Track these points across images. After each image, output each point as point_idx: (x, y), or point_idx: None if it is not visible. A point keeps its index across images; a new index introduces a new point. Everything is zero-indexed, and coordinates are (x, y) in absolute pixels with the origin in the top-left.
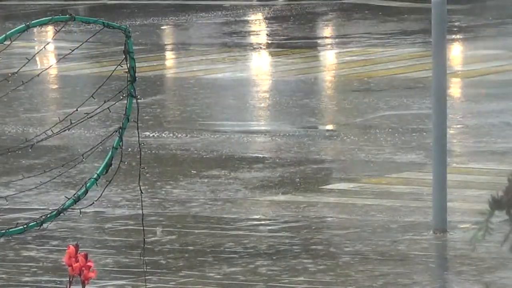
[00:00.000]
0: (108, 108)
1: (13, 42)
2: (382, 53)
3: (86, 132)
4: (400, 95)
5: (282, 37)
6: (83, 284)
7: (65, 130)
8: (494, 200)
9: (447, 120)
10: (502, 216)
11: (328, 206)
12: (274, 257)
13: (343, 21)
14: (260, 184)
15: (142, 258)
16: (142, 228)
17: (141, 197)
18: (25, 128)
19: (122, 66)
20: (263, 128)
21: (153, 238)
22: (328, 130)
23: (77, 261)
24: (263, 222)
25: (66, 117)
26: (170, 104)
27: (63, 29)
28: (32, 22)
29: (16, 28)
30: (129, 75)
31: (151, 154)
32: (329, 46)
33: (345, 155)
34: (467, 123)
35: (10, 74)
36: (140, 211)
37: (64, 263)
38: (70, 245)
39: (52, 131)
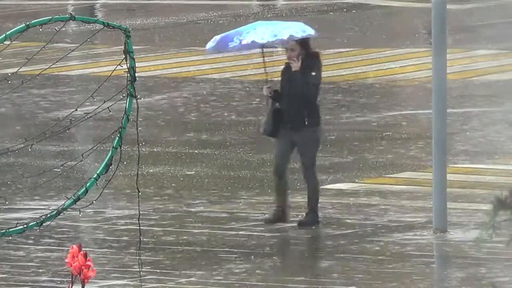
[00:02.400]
0: (108, 108)
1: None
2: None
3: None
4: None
5: None
6: (83, 283)
7: (65, 130)
8: (499, 200)
9: (447, 120)
10: (507, 216)
11: (328, 206)
12: (274, 257)
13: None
14: (260, 184)
15: (138, 258)
16: (139, 228)
17: (138, 197)
18: (25, 128)
19: (122, 66)
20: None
21: (153, 238)
22: (328, 129)
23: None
24: (263, 222)
25: (66, 117)
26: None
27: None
28: (32, 22)
29: (16, 28)
30: (128, 75)
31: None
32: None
33: (345, 155)
34: (467, 123)
35: (10, 74)
36: (141, 212)
37: (67, 263)
38: (73, 246)
39: (51, 130)
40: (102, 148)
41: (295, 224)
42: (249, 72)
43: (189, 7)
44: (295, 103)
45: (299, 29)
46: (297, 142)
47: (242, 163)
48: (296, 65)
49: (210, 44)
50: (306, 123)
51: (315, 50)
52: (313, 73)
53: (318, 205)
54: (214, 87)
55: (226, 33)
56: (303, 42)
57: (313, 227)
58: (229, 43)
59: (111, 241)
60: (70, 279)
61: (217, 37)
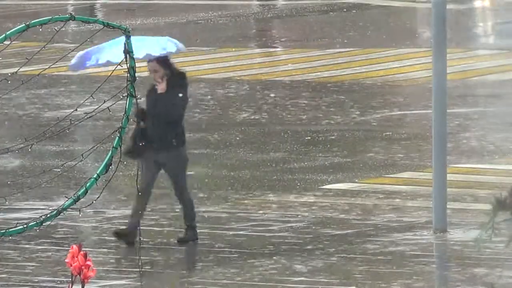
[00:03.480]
0: (108, 108)
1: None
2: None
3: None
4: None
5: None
6: (83, 283)
7: (65, 130)
8: (498, 201)
9: (447, 120)
10: (506, 216)
11: (328, 206)
12: (274, 257)
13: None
14: (260, 184)
15: (138, 258)
16: (139, 228)
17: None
18: (25, 128)
19: (122, 66)
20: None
21: (153, 238)
22: (327, 130)
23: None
24: (263, 222)
25: (66, 117)
26: None
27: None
28: (32, 22)
29: (16, 28)
30: (128, 75)
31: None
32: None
33: (345, 155)
34: (467, 123)
35: (10, 74)
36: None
37: (67, 263)
38: (73, 246)
39: (51, 130)
40: (102, 148)
41: (294, 225)
42: (249, 72)
43: (189, 7)
44: (161, 124)
45: (158, 47)
46: (164, 163)
47: (242, 163)
48: (161, 87)
49: (72, 61)
50: (175, 143)
51: (181, 70)
52: (180, 95)
53: (196, 221)
54: (214, 87)
55: (88, 49)
56: (165, 62)
57: (193, 242)
58: (87, 62)
59: (111, 241)
60: (70, 279)
61: (80, 53)
